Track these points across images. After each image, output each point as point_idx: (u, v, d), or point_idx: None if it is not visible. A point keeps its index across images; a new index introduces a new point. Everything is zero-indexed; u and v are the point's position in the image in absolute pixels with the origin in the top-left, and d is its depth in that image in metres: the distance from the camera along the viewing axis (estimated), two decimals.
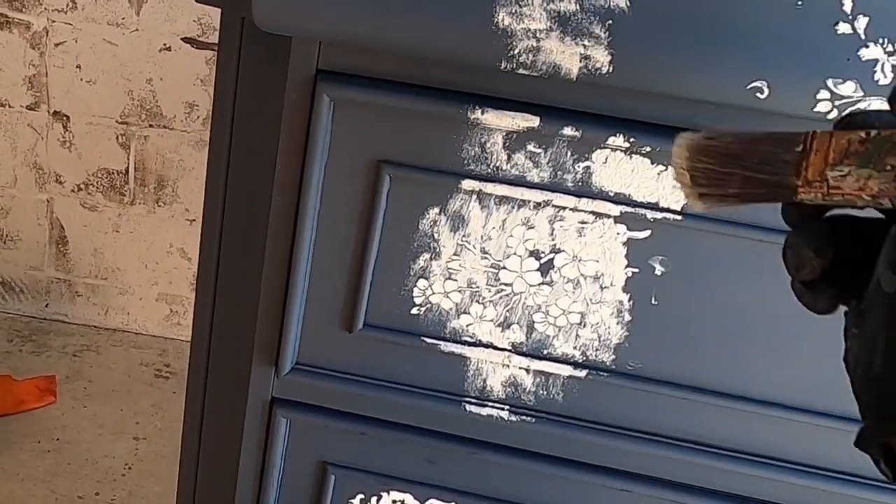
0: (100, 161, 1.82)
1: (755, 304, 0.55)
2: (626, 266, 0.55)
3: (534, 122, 0.52)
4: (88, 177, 1.83)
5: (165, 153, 1.80)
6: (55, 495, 1.50)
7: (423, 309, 0.58)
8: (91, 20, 1.70)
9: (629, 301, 0.55)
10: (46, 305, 1.95)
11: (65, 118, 1.79)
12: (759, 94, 0.46)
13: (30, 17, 1.71)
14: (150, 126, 1.78)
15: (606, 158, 0.52)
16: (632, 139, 0.52)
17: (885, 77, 0.45)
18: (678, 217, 0.53)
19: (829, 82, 0.45)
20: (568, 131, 0.52)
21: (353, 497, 0.65)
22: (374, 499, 0.65)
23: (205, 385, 0.67)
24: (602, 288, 0.55)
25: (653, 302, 0.55)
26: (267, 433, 0.64)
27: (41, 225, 1.88)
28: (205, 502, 0.70)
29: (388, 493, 0.64)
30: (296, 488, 0.66)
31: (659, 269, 0.55)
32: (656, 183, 0.53)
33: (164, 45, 1.71)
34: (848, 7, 0.45)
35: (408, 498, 0.64)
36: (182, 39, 1.71)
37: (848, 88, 0.46)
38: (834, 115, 0.46)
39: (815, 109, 0.46)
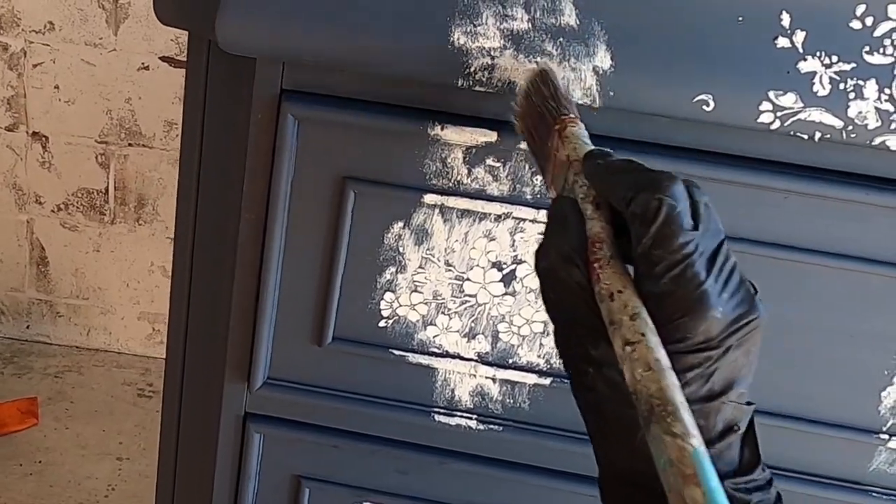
0: (79, 181, 1.82)
1: None
2: None
3: (492, 137, 0.53)
4: (68, 197, 1.83)
5: (145, 172, 1.81)
6: None
7: (390, 321, 0.59)
8: (69, 41, 1.71)
9: None
10: (28, 327, 1.94)
11: (44, 139, 1.79)
12: (705, 107, 0.48)
13: (7, 39, 1.72)
14: (130, 145, 1.79)
15: None
16: None
17: (824, 88, 0.47)
18: None
19: (771, 94, 0.47)
20: (525, 145, 0.53)
21: None
22: None
23: (180, 402, 0.68)
24: None
25: None
26: (241, 449, 0.64)
27: (21, 246, 1.88)
28: None
29: None
30: (271, 503, 0.66)
31: None
32: None
33: (143, 64, 1.72)
34: (786, 22, 0.47)
35: None
36: (160, 58, 1.72)
37: (788, 100, 0.47)
38: (776, 125, 0.48)
39: (759, 120, 0.48)
